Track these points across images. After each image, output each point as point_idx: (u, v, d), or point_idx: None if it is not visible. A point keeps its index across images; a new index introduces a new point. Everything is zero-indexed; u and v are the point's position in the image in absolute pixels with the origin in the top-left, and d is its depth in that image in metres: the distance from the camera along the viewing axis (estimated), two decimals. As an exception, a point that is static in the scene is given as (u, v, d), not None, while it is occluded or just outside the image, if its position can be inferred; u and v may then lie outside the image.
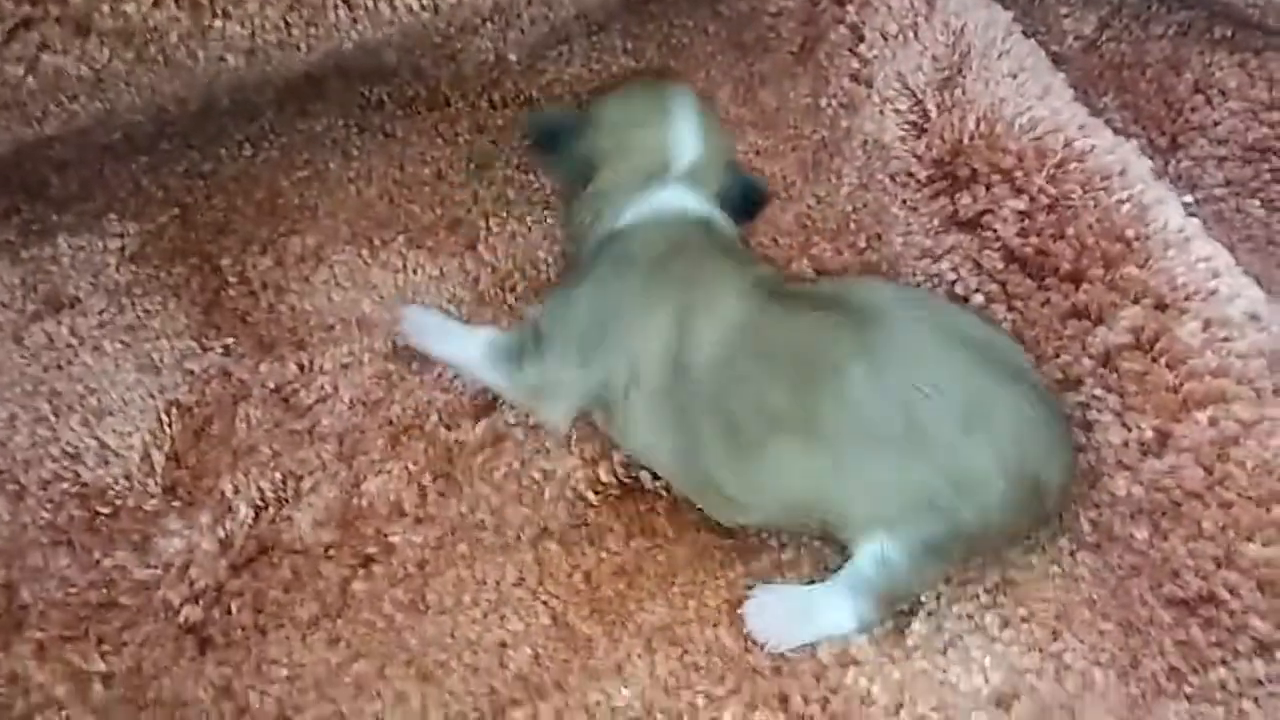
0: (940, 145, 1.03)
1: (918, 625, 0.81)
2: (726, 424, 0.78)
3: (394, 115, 1.18)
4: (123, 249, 1.02)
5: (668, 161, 0.92)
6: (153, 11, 0.82)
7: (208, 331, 0.97)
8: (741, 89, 1.22)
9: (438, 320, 0.95)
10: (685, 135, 0.93)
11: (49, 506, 0.83)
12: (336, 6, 0.90)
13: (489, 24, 1.10)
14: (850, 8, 1.14)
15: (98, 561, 0.81)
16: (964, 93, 1.03)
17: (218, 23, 0.85)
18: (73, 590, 0.79)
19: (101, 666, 0.76)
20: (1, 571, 0.79)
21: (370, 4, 0.91)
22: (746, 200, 0.98)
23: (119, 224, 1.04)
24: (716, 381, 0.78)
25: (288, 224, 1.07)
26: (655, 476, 0.88)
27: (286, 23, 0.88)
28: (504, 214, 1.09)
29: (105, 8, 0.80)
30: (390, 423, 0.91)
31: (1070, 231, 0.91)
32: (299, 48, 0.93)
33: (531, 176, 1.12)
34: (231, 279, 1.02)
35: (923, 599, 0.83)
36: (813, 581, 0.82)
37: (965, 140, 1.01)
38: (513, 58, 1.17)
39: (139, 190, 1.06)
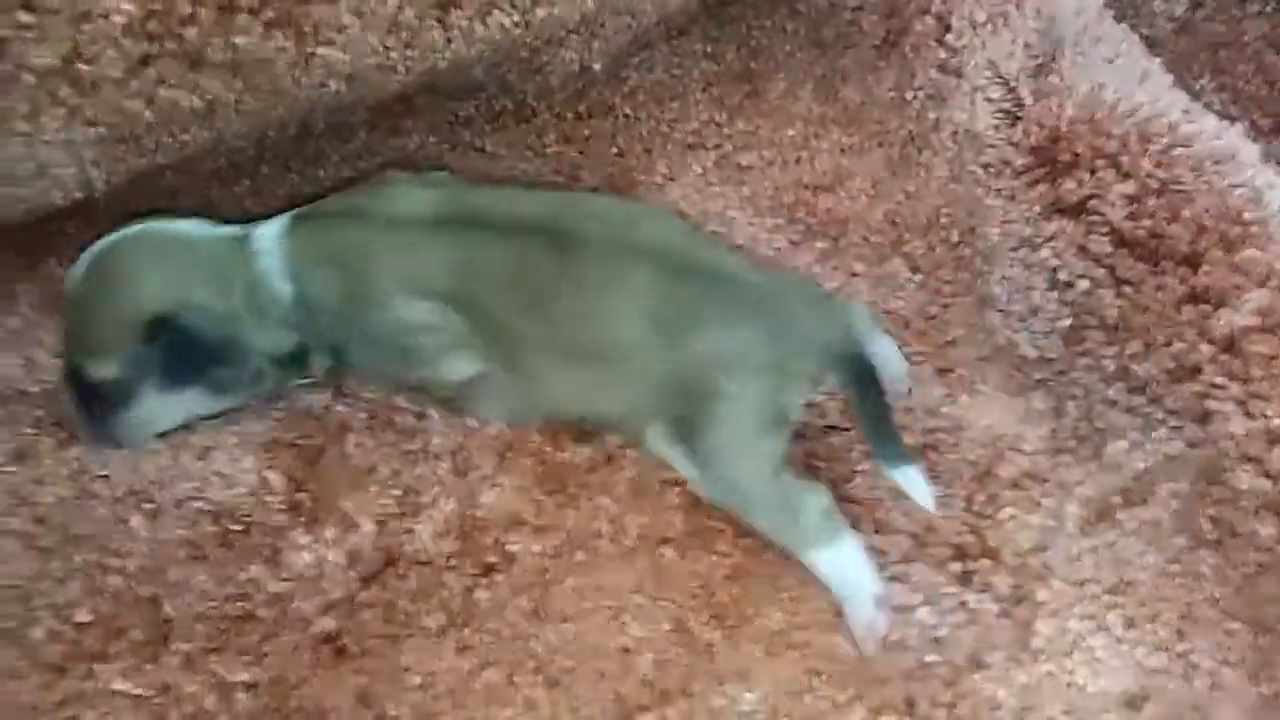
0: (1038, 132, 1.02)
1: (1041, 626, 0.80)
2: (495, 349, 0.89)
3: (483, 130, 1.20)
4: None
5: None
6: (261, 43, 0.85)
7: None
8: (824, 87, 1.21)
9: None
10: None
11: (184, 524, 0.86)
12: (432, 27, 0.92)
13: (575, 35, 1.11)
14: (935, -2, 1.13)
15: (233, 576, 0.84)
16: (1060, 79, 1.03)
17: (321, 50, 0.88)
18: (212, 604, 0.82)
19: (244, 676, 0.79)
20: (146, 587, 0.83)
21: (464, 23, 0.93)
22: None
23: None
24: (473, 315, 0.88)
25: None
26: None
27: (385, 46, 0.90)
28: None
29: (218, 41, 0.83)
30: (495, 439, 0.93)
31: (1186, 214, 0.90)
32: (396, 70, 0.95)
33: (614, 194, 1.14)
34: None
35: (1042, 599, 0.82)
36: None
37: (1064, 126, 1.01)
38: (596, 67, 1.18)
39: (246, 216, 1.10)
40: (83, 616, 0.82)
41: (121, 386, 0.87)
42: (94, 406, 0.88)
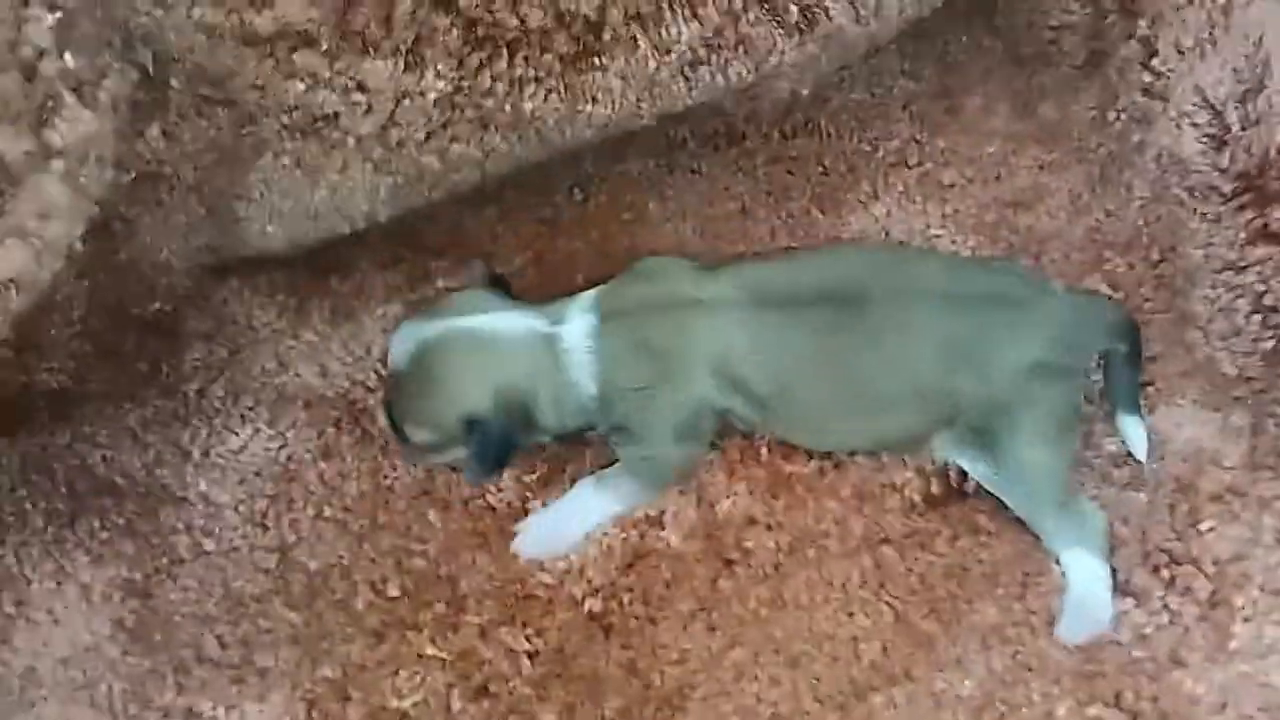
0: (1246, 159, 1.06)
1: (1238, 629, 0.88)
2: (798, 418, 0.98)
3: (697, 153, 1.30)
4: (490, 289, 1.20)
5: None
6: (541, 105, 0.98)
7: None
8: (1020, 103, 1.27)
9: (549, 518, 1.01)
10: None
11: (469, 517, 1.02)
12: (679, 81, 1.03)
13: (791, 68, 1.20)
14: (1141, 21, 1.16)
15: (512, 563, 0.99)
16: (1270, 105, 1.06)
17: (587, 108, 1.00)
18: (496, 584, 0.98)
19: (528, 646, 0.94)
20: (445, 568, 0.99)
21: (707, 77, 1.04)
22: None
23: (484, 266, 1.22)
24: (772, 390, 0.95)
25: (620, 263, 1.21)
26: (979, 487, 0.98)
27: (639, 102, 1.02)
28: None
29: (506, 105, 0.96)
30: (723, 455, 1.03)
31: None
32: (642, 117, 1.07)
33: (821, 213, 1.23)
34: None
35: (1240, 604, 0.89)
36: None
37: (1274, 152, 1.04)
38: (805, 92, 1.27)
39: (496, 237, 1.25)
40: (394, 591, 0.99)
41: (436, 447, 1.00)
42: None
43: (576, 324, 0.97)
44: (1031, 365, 0.92)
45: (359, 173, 1.01)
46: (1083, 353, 0.97)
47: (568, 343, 0.96)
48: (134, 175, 1.06)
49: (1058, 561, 0.93)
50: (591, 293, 1.01)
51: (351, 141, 0.97)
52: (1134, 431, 0.97)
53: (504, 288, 1.04)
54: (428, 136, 0.98)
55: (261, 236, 1.19)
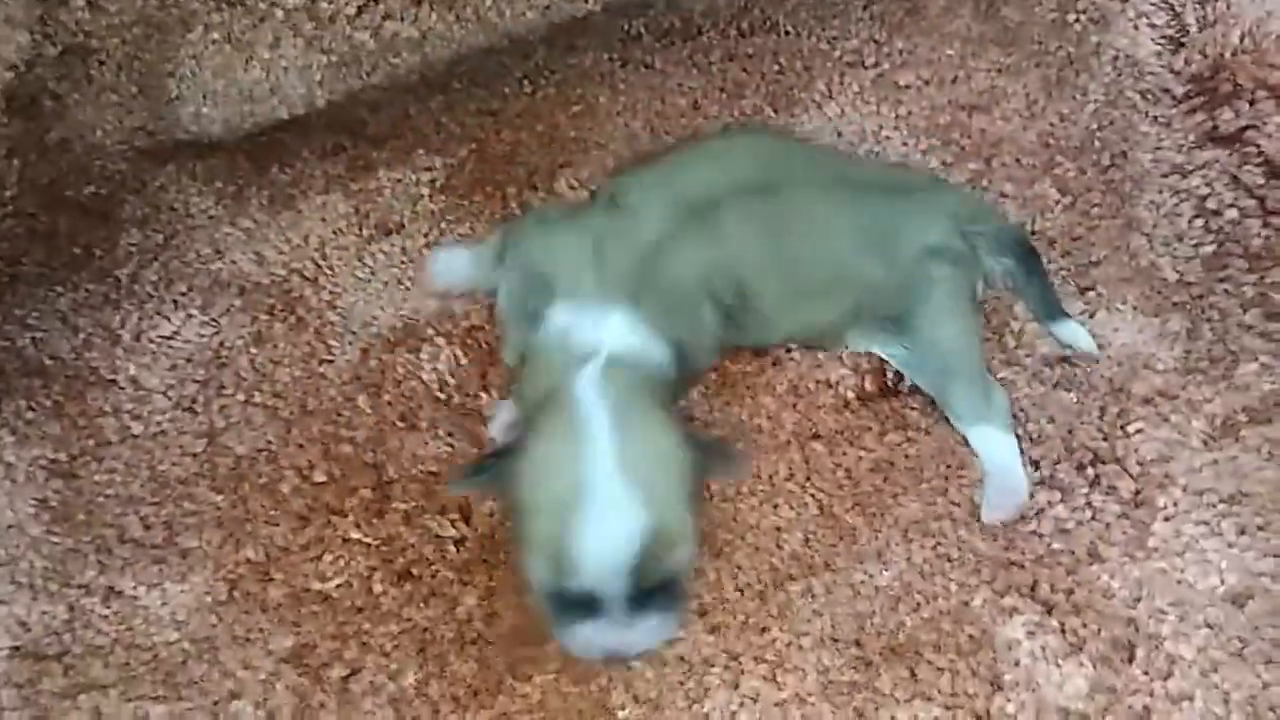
0: (1200, 60, 1.04)
1: (1158, 528, 0.88)
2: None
3: (652, 47, 1.28)
4: (433, 180, 1.17)
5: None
6: (477, -20, 0.95)
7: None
8: (984, 5, 1.25)
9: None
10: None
11: (400, 401, 1.01)
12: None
13: (745, -44, 1.17)
14: (1105, -79, 1.14)
15: (443, 444, 0.98)
16: (1227, 6, 1.04)
17: (527, -16, 0.97)
18: (423, 468, 0.97)
19: (453, 533, 0.93)
20: (372, 454, 0.98)
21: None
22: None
23: (427, 158, 1.19)
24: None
25: (564, 156, 1.19)
26: (913, 385, 0.98)
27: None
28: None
29: (441, -21, 0.93)
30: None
31: (1345, 147, 0.92)
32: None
33: (773, 111, 1.20)
34: (515, 209, 1.16)
35: (1161, 504, 0.89)
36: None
37: (1228, 55, 1.02)
38: (763, -15, 1.24)
39: (440, 127, 1.22)
40: (320, 477, 0.98)
41: None
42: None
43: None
44: (929, 249, 0.95)
45: (291, 49, 0.99)
46: (975, 242, 0.98)
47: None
48: (60, 49, 1.03)
49: (967, 442, 0.94)
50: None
51: (280, 14, 0.95)
52: (1071, 333, 0.99)
53: None
54: (359, 11, 0.96)
55: (196, 119, 1.16)
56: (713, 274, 0.91)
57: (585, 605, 0.76)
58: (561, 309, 0.88)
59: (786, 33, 1.27)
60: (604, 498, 0.74)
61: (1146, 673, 0.80)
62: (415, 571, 0.91)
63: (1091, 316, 1.02)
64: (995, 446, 0.92)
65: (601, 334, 0.85)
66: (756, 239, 0.92)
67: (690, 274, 0.90)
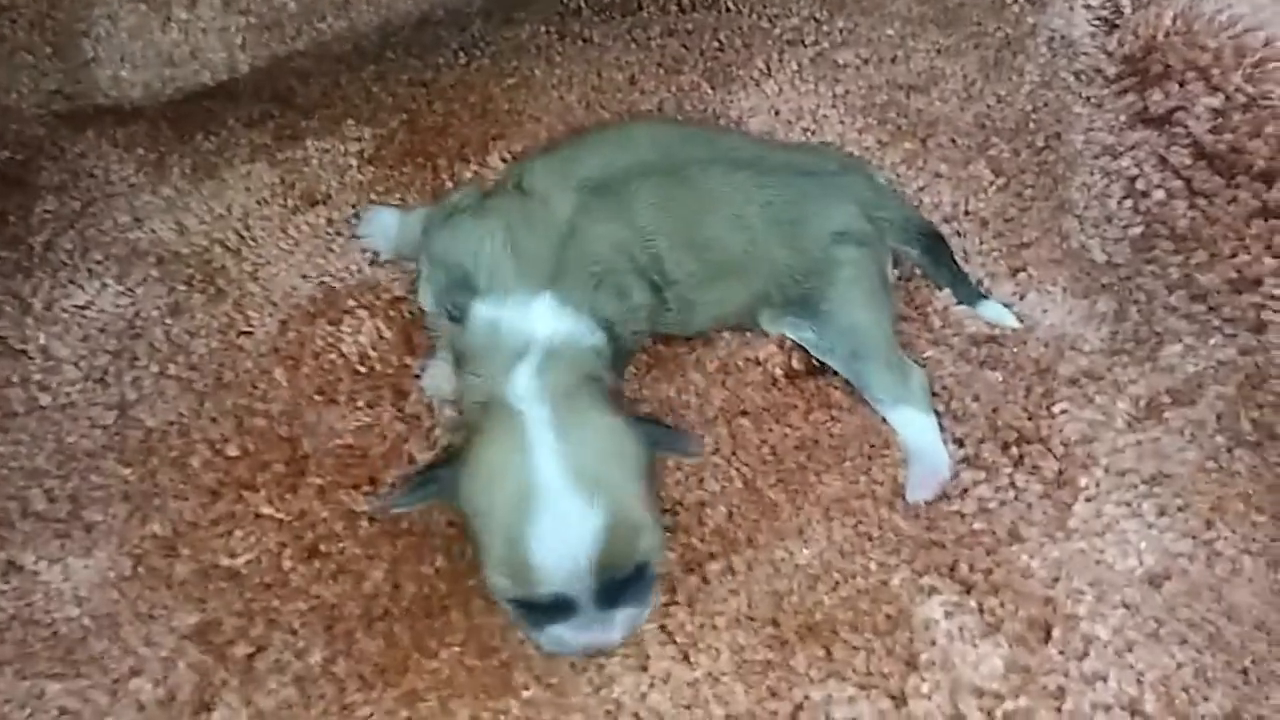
0: (1133, 41, 1.04)
1: (1079, 508, 0.88)
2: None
3: (591, 21, 1.26)
4: (361, 151, 1.15)
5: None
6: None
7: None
8: (926, -15, 1.23)
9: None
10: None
11: (318, 374, 0.99)
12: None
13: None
14: (1042, -98, 1.13)
15: (363, 416, 0.95)
16: (1161, -12, 1.03)
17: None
18: (340, 442, 0.94)
19: (365, 507, 0.91)
20: (285, 428, 0.95)
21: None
22: None
23: (356, 128, 1.17)
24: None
25: (497, 128, 1.17)
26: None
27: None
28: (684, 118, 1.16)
29: (359, -62, 0.91)
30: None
31: (1269, 130, 0.92)
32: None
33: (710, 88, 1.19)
34: (447, 181, 1.14)
35: (1083, 484, 0.89)
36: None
37: (1160, 36, 1.02)
38: (703, -39, 1.22)
39: (371, 97, 1.19)
40: (233, 451, 0.95)
41: None
42: None
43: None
44: (836, 233, 0.94)
45: (208, 9, 0.96)
46: (882, 227, 0.98)
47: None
48: (-32, 6, 0.99)
49: (885, 421, 0.93)
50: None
51: (193, -31, 0.91)
52: (992, 312, 0.99)
53: None
54: (276, -31, 0.92)
55: (116, 83, 1.13)
56: (630, 248, 0.89)
57: (556, 608, 0.74)
58: (485, 303, 0.86)
59: (727, 9, 1.26)
60: (554, 504, 0.72)
61: (1062, 652, 0.80)
62: (324, 548, 0.89)
63: (1022, 298, 1.02)
64: (915, 427, 0.91)
65: (530, 323, 0.83)
66: (668, 218, 0.91)
67: (607, 250, 0.88)
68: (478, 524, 0.76)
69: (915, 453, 0.91)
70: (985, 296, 0.99)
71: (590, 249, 0.88)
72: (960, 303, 1.00)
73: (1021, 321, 0.98)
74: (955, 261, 1.01)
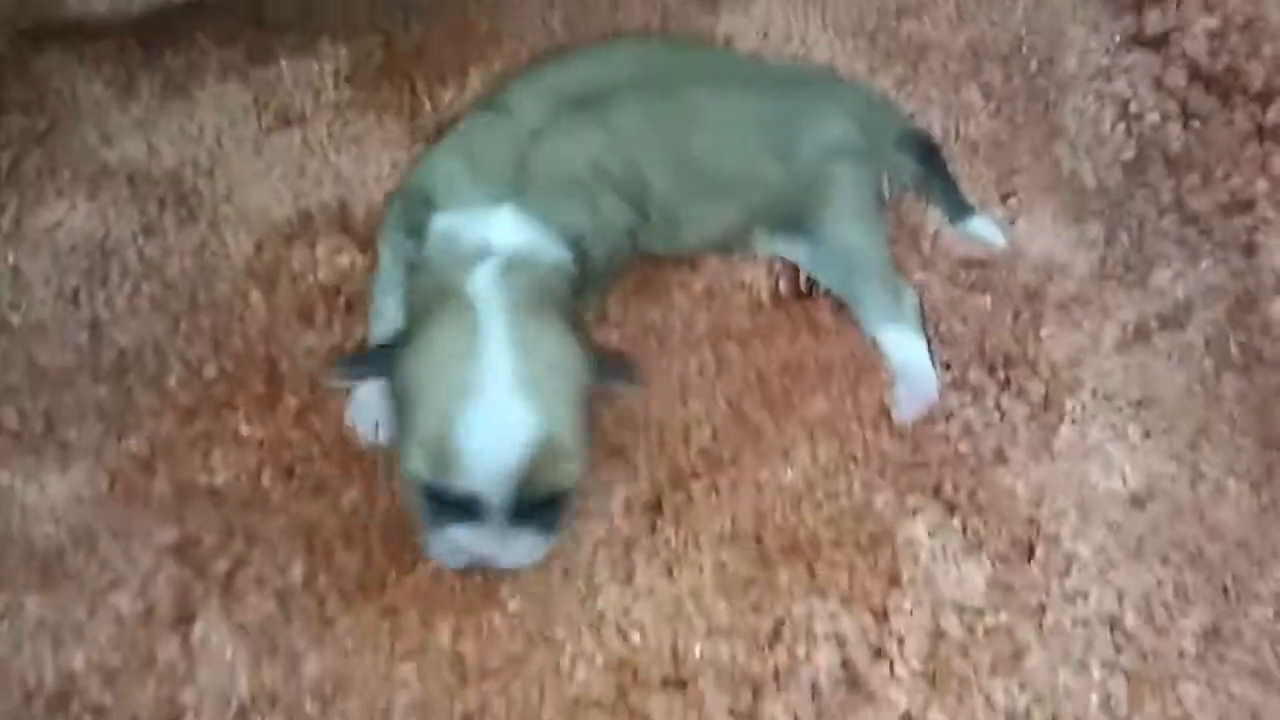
0: (1130, -41, 1.02)
1: (1064, 431, 0.87)
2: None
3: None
4: (337, 70, 1.11)
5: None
6: None
7: (415, 148, 1.07)
8: (916, -93, 1.20)
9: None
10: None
11: (294, 296, 0.97)
12: None
13: None
14: None
15: (338, 337, 0.94)
16: (1159, -94, 1.01)
17: None
18: (316, 363, 0.93)
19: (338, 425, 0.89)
20: (262, 349, 0.93)
21: None
22: None
23: (331, 48, 1.13)
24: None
25: (477, 49, 1.14)
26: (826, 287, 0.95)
27: None
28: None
29: None
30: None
31: (1266, 51, 0.91)
32: None
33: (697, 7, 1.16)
34: (425, 103, 1.11)
35: (1069, 407, 0.88)
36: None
37: (1157, -45, 1.00)
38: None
39: (347, 17, 1.15)
40: (210, 371, 0.93)
41: None
42: None
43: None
44: (829, 146, 0.93)
45: (175, -86, 0.92)
46: (876, 141, 0.96)
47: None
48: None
49: (877, 346, 0.92)
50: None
51: None
52: (982, 229, 0.98)
53: None
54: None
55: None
56: (607, 162, 0.87)
57: (462, 507, 0.72)
58: (443, 216, 0.82)
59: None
60: (495, 398, 0.70)
61: (1044, 571, 0.80)
62: (301, 469, 0.87)
63: (1012, 223, 1.01)
64: (905, 346, 0.91)
65: (489, 234, 0.79)
66: (652, 133, 0.89)
67: (578, 160, 0.85)
68: (411, 402, 0.72)
69: (904, 372, 0.90)
70: (974, 211, 0.98)
71: (559, 160, 0.84)
72: (951, 219, 0.98)
73: (1010, 243, 0.97)
74: (949, 174, 0.99)
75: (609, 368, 0.77)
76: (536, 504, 0.72)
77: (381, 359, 0.77)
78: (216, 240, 1.01)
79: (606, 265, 0.89)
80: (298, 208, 1.03)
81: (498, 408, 0.70)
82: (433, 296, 0.77)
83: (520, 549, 0.74)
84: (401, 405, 0.75)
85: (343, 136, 1.07)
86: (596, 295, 0.91)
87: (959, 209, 0.99)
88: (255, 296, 0.97)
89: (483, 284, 0.76)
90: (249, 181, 1.04)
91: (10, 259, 1.00)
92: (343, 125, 1.08)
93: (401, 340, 0.77)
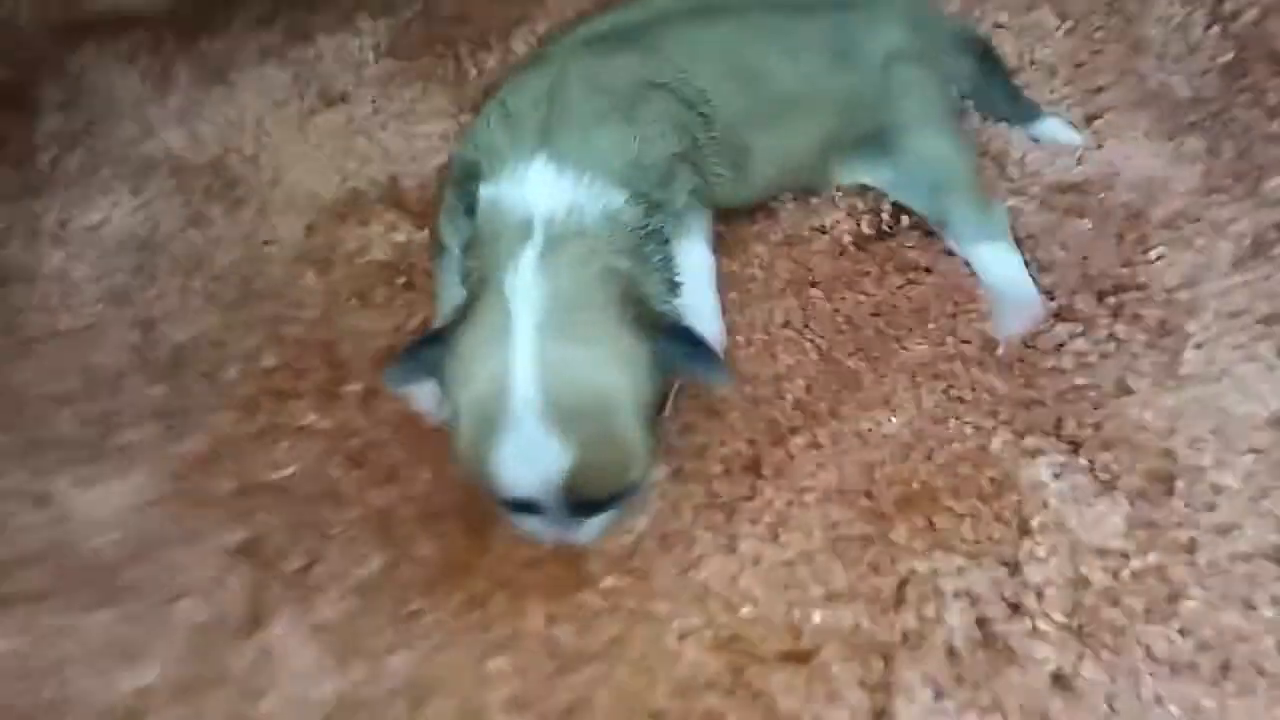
0: None
1: (1189, 355, 0.80)
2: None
3: None
4: (376, 44, 1.07)
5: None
6: None
7: (462, 117, 1.02)
8: None
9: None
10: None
11: (350, 277, 0.92)
12: None
13: None
14: None
15: (399, 316, 0.89)
16: None
17: None
18: (378, 345, 0.88)
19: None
20: (321, 334, 0.89)
21: None
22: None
23: (369, 22, 1.09)
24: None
25: (520, 10, 1.09)
26: (910, 225, 0.89)
27: None
28: None
29: None
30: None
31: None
32: None
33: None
34: (470, 69, 1.06)
35: (1192, 330, 0.81)
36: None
37: None
38: None
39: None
40: (269, 361, 0.89)
41: None
42: None
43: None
44: (891, 52, 0.88)
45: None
46: (931, 45, 0.91)
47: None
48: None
49: (972, 274, 0.86)
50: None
51: None
52: (1055, 130, 0.94)
53: None
54: None
55: (111, -11, 1.06)
56: (655, 75, 0.80)
57: (522, 505, 0.69)
58: (488, 185, 0.75)
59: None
60: (522, 429, 0.65)
61: (1189, 505, 0.73)
62: (370, 455, 0.82)
63: (1100, 147, 0.94)
64: (999, 262, 0.85)
65: (527, 195, 0.72)
66: (705, 53, 0.83)
67: (619, 80, 0.79)
68: (453, 409, 0.69)
69: (1001, 289, 0.84)
70: (1042, 112, 0.93)
71: (592, 87, 0.78)
72: (1020, 123, 0.94)
73: (1106, 163, 0.90)
74: (1008, 75, 0.95)
75: (687, 351, 0.70)
76: (596, 503, 0.70)
77: (428, 359, 0.71)
78: (266, 226, 0.97)
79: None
80: (347, 187, 0.99)
81: (529, 442, 0.66)
82: (477, 285, 0.72)
83: (592, 529, 0.71)
84: (448, 406, 0.70)
85: (388, 111, 1.03)
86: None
87: (1025, 111, 0.94)
88: (310, 280, 0.93)
89: (523, 280, 0.69)
90: (295, 164, 1.01)
91: (56, 261, 0.97)
92: (387, 99, 1.04)
93: (449, 331, 0.71)
